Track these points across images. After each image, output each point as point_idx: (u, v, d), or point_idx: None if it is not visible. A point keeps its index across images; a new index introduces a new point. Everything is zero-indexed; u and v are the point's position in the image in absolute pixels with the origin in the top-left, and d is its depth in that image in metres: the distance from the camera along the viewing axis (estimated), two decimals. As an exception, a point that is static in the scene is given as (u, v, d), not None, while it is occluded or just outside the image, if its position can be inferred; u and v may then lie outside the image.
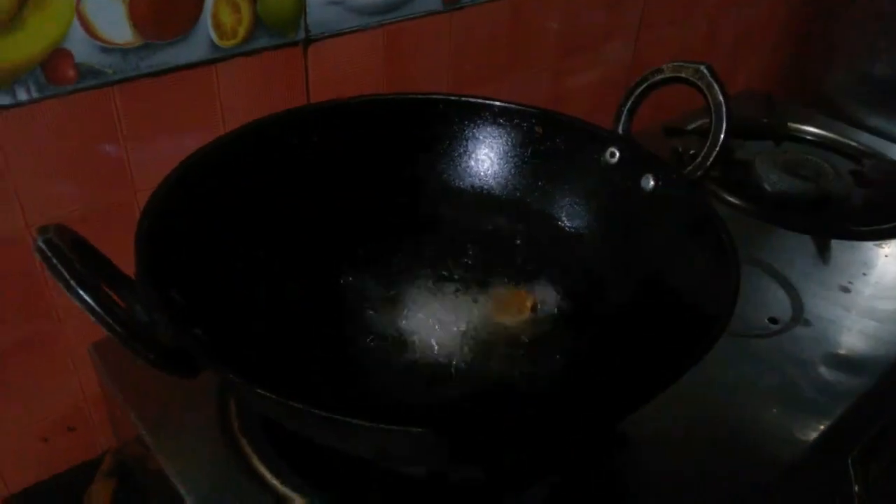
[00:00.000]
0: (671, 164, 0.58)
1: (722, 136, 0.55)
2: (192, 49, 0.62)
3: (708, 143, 0.56)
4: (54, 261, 0.36)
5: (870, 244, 0.81)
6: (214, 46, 0.63)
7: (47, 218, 0.60)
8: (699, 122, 0.98)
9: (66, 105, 0.57)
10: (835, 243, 0.80)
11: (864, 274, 0.76)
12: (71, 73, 0.57)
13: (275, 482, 0.52)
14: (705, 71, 0.56)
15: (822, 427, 0.59)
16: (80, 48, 0.56)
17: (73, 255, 0.37)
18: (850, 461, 0.63)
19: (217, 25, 0.62)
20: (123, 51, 0.58)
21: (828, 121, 1.06)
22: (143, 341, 0.38)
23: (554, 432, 0.41)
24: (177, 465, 0.54)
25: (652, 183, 0.59)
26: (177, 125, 0.64)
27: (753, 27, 1.17)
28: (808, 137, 1.03)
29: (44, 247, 0.37)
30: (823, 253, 0.79)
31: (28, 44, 0.54)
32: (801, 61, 1.18)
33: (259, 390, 0.36)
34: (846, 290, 0.74)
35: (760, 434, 0.59)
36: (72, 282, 0.36)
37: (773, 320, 0.69)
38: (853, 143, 1.01)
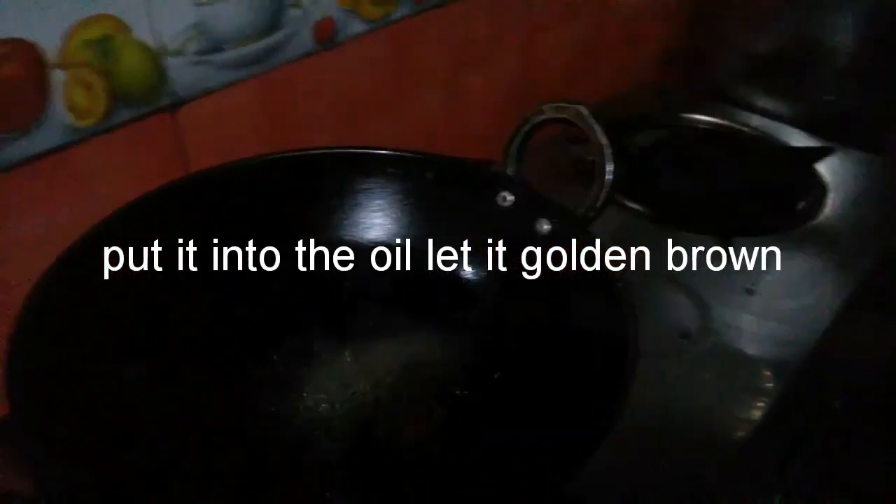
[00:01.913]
0: (562, 206, 0.57)
1: (610, 177, 0.55)
2: (45, 136, 0.57)
3: (595, 185, 0.55)
4: None
5: (770, 238, 0.82)
6: (73, 129, 0.59)
7: None
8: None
9: None
10: (737, 241, 0.81)
11: (766, 272, 0.77)
12: None
13: None
14: (584, 112, 0.55)
15: (743, 437, 0.60)
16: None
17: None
18: (772, 465, 0.64)
19: (71, 107, 0.58)
20: (-36, 149, 0.54)
21: (721, 106, 1.07)
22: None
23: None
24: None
25: (546, 226, 0.58)
26: (42, 220, 0.59)
27: (642, 20, 1.18)
28: (702, 125, 1.04)
29: None
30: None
31: None
32: (689, 49, 1.19)
33: None
34: (751, 291, 0.75)
35: (687, 453, 0.59)
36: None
37: (685, 335, 0.70)
38: (744, 129, 1.02)
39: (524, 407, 0.53)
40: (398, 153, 0.64)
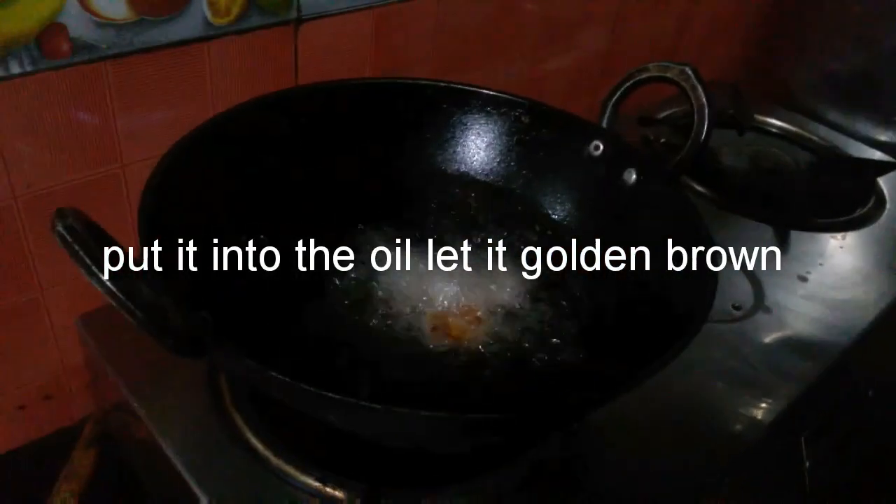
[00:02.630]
0: (653, 159, 0.61)
1: (704, 136, 0.58)
2: (186, 26, 0.62)
3: (690, 142, 0.59)
4: (75, 246, 0.37)
5: (826, 235, 0.86)
6: (208, 24, 0.63)
7: (35, 187, 0.60)
8: (669, 112, 1.01)
9: (60, 78, 0.57)
10: (793, 234, 0.85)
11: (821, 264, 0.81)
12: (65, 47, 0.56)
13: (266, 452, 0.54)
14: (690, 73, 0.58)
15: (780, 409, 0.64)
16: (75, 23, 0.56)
17: (91, 240, 0.38)
18: (802, 440, 0.68)
19: (211, 3, 0.62)
20: (118, 26, 0.58)
21: (790, 114, 1.11)
22: (161, 327, 0.39)
23: (544, 415, 0.44)
24: (166, 433, 0.56)
25: (634, 177, 0.61)
26: (167, 101, 0.64)
27: (724, 20, 1.21)
28: (772, 130, 1.07)
29: (64, 232, 0.37)
30: (783, 243, 0.83)
31: (23, 17, 0.53)
32: (769, 55, 1.22)
33: (275, 375, 0.38)
34: (804, 279, 0.79)
35: (722, 415, 0.63)
36: (93, 268, 0.37)
37: (737, 307, 0.74)
38: (814, 138, 1.06)
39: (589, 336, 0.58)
40: (500, 93, 0.68)
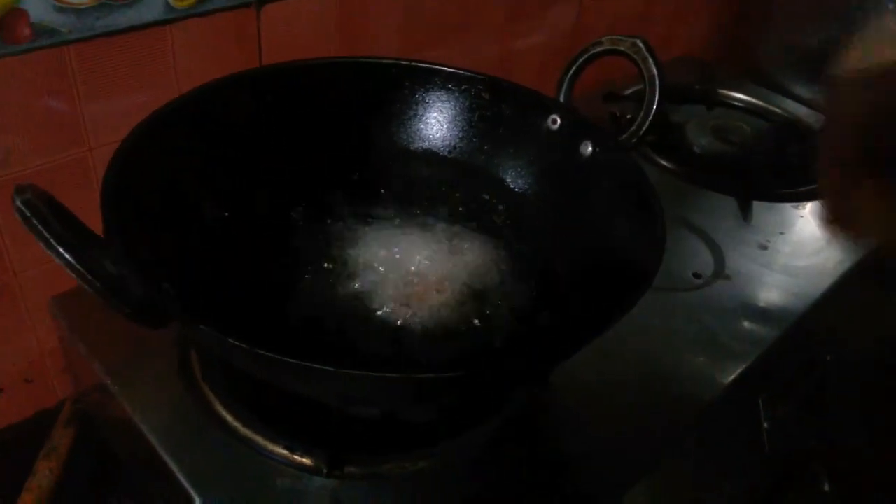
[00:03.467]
0: (608, 131, 0.63)
1: (654, 106, 0.60)
2: (147, 10, 0.63)
3: (642, 113, 0.60)
4: (34, 220, 0.38)
5: (788, 206, 0.88)
6: (169, 7, 0.64)
7: (5, 175, 0.61)
8: (635, 89, 1.03)
9: (22, 64, 0.58)
10: (756, 204, 0.87)
11: (782, 233, 0.83)
12: (26, 31, 0.57)
13: (236, 424, 0.56)
14: (641, 45, 0.60)
15: (737, 370, 0.66)
16: (36, 8, 0.57)
17: (49, 214, 0.39)
18: (760, 402, 0.70)
19: (172, -13, 0.63)
20: (78, 10, 0.59)
21: (757, 88, 1.12)
22: (118, 296, 0.41)
23: (502, 374, 0.46)
24: (141, 411, 0.57)
25: (590, 149, 0.63)
26: (131, 85, 0.65)
27: (691, -4, 1.22)
28: (738, 104, 1.09)
29: (22, 207, 0.39)
30: (745, 213, 0.85)
31: (-16, 3, 0.54)
32: (737, 30, 1.23)
33: (232, 341, 0.39)
34: (765, 247, 0.80)
35: (682, 377, 0.65)
36: (52, 240, 0.38)
37: (697, 275, 0.75)
38: (779, 111, 1.07)
39: (548, 299, 0.59)
40: (460, 70, 0.69)
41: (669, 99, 1.04)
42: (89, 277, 0.39)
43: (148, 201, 0.53)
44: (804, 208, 0.88)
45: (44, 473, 0.64)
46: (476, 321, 0.58)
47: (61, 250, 0.38)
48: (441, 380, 0.42)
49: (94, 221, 0.46)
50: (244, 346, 0.39)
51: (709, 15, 1.25)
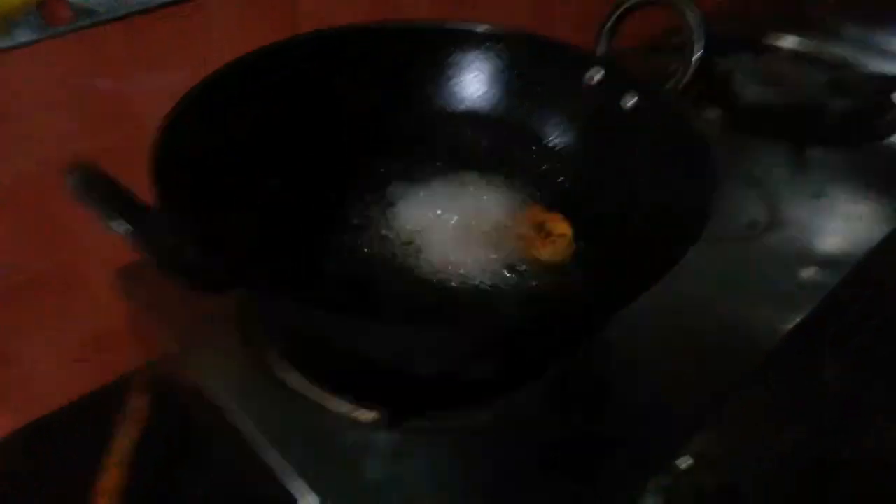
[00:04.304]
0: (651, 81, 0.61)
1: (697, 53, 0.58)
2: (185, -16, 0.63)
3: (685, 61, 0.59)
4: (89, 195, 0.39)
5: (842, 150, 0.85)
6: (203, -19, 0.64)
7: (58, 156, 0.62)
8: (679, 40, 1.00)
9: (65, 45, 0.59)
10: (809, 151, 0.84)
11: (837, 179, 0.80)
12: (65, 13, 0.58)
13: (301, 384, 0.57)
14: (680, -9, 0.58)
15: (797, 318, 0.64)
16: (74, -11, 0.58)
17: (104, 189, 0.40)
18: (820, 349, 0.68)
19: (206, -40, 0.63)
20: (114, -11, 0.60)
21: (805, 33, 1.08)
22: (174, 264, 0.42)
23: (559, 323, 0.45)
24: (208, 375, 0.59)
25: (633, 101, 0.62)
26: (171, 60, 0.66)
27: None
28: (786, 49, 1.05)
29: (76, 183, 0.39)
30: (799, 161, 0.82)
31: (23, -13, 0.55)
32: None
33: (285, 300, 0.40)
34: (819, 195, 0.78)
35: (740, 326, 0.64)
36: (107, 214, 0.39)
37: (752, 225, 0.74)
38: (829, 53, 1.03)
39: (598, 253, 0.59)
40: (497, 29, 0.68)
41: (716, 48, 1.03)
42: (146, 247, 0.40)
43: (196, 171, 0.54)
44: (859, 153, 0.85)
45: (123, 437, 0.67)
46: (523, 277, 0.57)
47: (117, 223, 0.39)
48: (486, 332, 0.42)
49: (146, 196, 0.47)
50: (293, 304, 0.39)
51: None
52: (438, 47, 0.69)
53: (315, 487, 0.50)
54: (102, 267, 0.69)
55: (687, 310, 0.64)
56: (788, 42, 1.06)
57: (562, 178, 0.66)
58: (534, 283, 0.58)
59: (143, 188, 0.48)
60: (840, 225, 0.74)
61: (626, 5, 0.63)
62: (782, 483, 0.70)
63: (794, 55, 1.05)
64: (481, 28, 0.68)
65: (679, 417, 0.57)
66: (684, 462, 0.56)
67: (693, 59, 0.59)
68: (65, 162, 0.61)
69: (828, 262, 0.70)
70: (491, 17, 0.70)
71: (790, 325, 0.64)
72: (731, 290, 0.67)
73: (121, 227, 0.39)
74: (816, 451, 0.74)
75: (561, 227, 0.60)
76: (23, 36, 0.57)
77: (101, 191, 0.40)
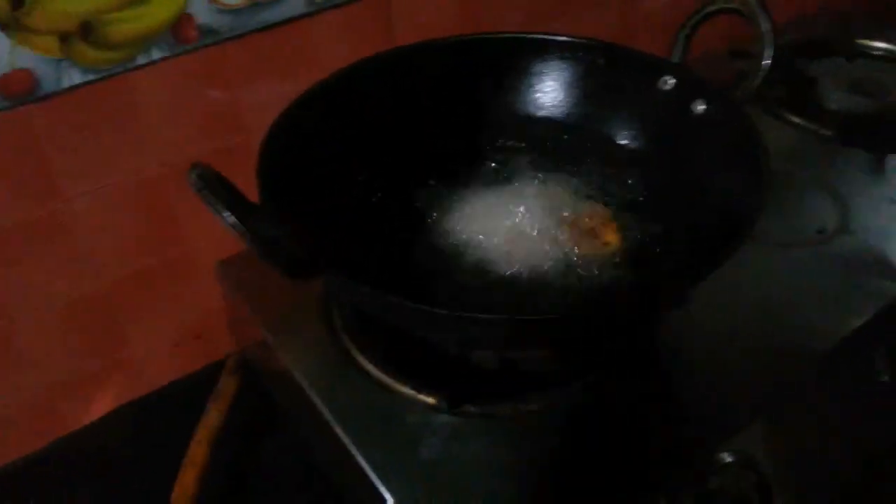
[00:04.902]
0: (719, 88, 0.64)
1: (767, 60, 0.61)
2: (291, 6, 0.71)
3: (754, 69, 0.61)
4: (205, 190, 0.47)
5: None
6: (309, 2, 0.72)
7: (176, 159, 0.71)
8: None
9: (191, 61, 0.68)
10: (890, 158, 0.84)
11: (916, 187, 0.80)
12: (194, 33, 0.67)
13: (371, 368, 0.63)
14: (753, 1, 0.61)
15: (856, 324, 0.65)
16: (200, 12, 0.66)
17: (217, 185, 0.47)
18: (880, 354, 0.69)
19: (313, -17, 0.71)
20: (235, 11, 0.68)
21: (900, 35, 1.06)
22: (272, 253, 0.49)
23: (605, 318, 0.49)
24: (294, 360, 0.65)
25: (702, 106, 0.65)
26: (282, 74, 0.74)
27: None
28: (879, 53, 1.04)
29: (196, 179, 0.47)
30: (877, 167, 0.82)
31: (160, 12, 0.64)
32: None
33: (367, 288, 0.46)
34: (894, 201, 0.78)
35: (799, 329, 0.65)
36: (218, 206, 0.46)
37: (821, 230, 0.75)
38: (922, 58, 1.01)
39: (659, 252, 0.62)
40: (574, 39, 0.72)
41: (805, 52, 1.03)
42: (249, 236, 0.47)
43: (297, 171, 0.61)
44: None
45: (213, 415, 0.74)
46: (585, 272, 0.62)
47: (226, 214, 0.46)
48: (545, 321, 0.47)
49: (253, 195, 0.55)
50: (373, 291, 0.46)
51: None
52: (520, 56, 0.74)
53: (375, 462, 0.56)
54: (205, 261, 0.77)
55: (745, 312, 0.66)
56: (882, 44, 1.05)
57: (630, 179, 0.69)
58: (589, 278, 0.61)
59: (248, 186, 0.55)
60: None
61: (700, 15, 0.66)
62: (825, 488, 0.71)
63: (888, 58, 1.04)
64: (560, 38, 0.73)
65: (728, 415, 0.60)
66: (726, 458, 0.58)
67: (762, 65, 0.61)
68: (182, 164, 0.70)
69: (892, 270, 0.71)
70: (579, 28, 0.75)
71: (848, 330, 0.65)
72: (792, 294, 0.69)
73: (229, 219, 0.46)
74: (862, 459, 0.74)
75: (609, 235, 0.64)
76: (156, 53, 0.66)
77: (215, 186, 0.47)
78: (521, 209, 0.66)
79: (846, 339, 0.64)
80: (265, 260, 0.50)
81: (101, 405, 0.79)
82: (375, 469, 0.56)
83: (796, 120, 0.92)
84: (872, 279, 0.70)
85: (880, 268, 0.71)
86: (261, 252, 0.49)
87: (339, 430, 0.59)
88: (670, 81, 0.68)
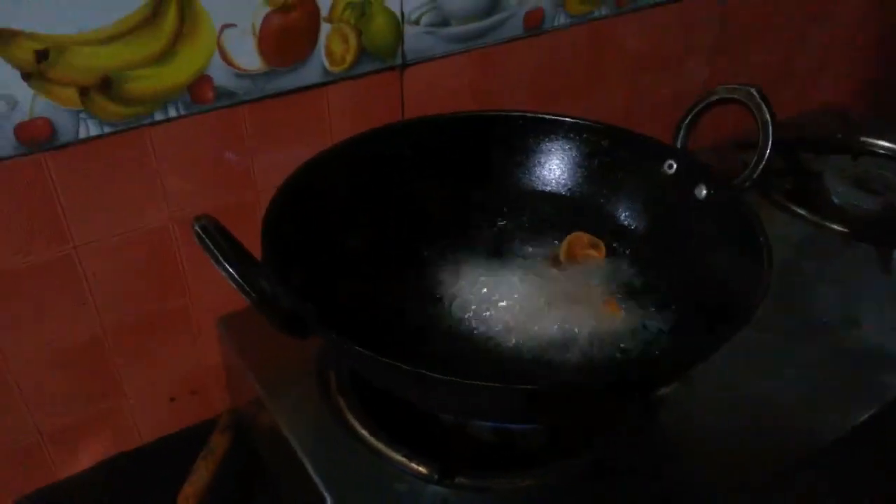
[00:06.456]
0: (721, 175, 0.65)
1: (767, 151, 0.62)
2: (308, 74, 0.73)
3: (755, 157, 0.62)
4: (207, 241, 0.47)
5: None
6: (326, 71, 0.74)
7: (186, 212, 0.72)
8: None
9: (206, 120, 0.70)
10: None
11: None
12: (211, 94, 0.69)
13: (364, 433, 0.62)
14: (755, 93, 0.63)
15: (859, 418, 0.64)
16: (219, 74, 0.68)
17: (220, 238, 0.48)
18: (886, 448, 0.67)
19: (329, 54, 0.73)
20: (253, 76, 0.70)
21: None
22: (270, 308, 0.49)
23: (599, 391, 0.49)
24: (287, 421, 0.65)
25: (704, 191, 0.66)
26: (293, 138, 0.75)
27: (833, 46, 1.20)
28: (882, 152, 1.06)
29: (199, 231, 0.48)
30: (884, 263, 0.82)
31: (179, 72, 0.66)
32: (881, 79, 1.19)
33: (359, 348, 0.46)
34: (896, 299, 0.78)
35: (795, 418, 0.65)
36: (220, 258, 0.47)
37: (825, 322, 0.74)
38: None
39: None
40: (580, 121, 0.74)
41: (812, 149, 1.05)
42: (248, 290, 0.47)
43: (300, 233, 0.62)
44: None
45: (201, 471, 0.74)
46: (583, 348, 0.61)
47: (227, 266, 0.47)
48: (538, 392, 0.46)
49: (255, 250, 0.56)
50: (365, 352, 0.45)
51: (852, 64, 1.23)
52: (528, 134, 0.76)
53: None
54: (207, 316, 0.78)
55: (742, 401, 0.66)
56: (885, 143, 1.06)
57: (630, 254, 0.70)
58: (589, 354, 0.61)
59: (255, 242, 0.56)
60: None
61: (704, 103, 0.68)
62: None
63: (891, 156, 1.05)
64: (569, 119, 0.75)
65: (727, 500, 0.59)
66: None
67: (762, 156, 0.62)
68: (191, 218, 0.72)
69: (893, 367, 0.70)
70: (584, 111, 0.76)
71: (851, 424, 0.64)
72: (793, 384, 0.68)
73: (228, 270, 0.47)
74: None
75: (612, 309, 0.64)
76: (172, 111, 0.68)
77: (217, 239, 0.48)
78: (523, 282, 0.66)
79: (852, 430, 0.63)
80: (261, 314, 0.50)
81: (89, 455, 0.78)
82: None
83: (803, 213, 0.92)
84: (877, 372, 0.69)
85: (884, 362, 0.70)
86: (257, 305, 0.49)
87: (325, 493, 0.58)
88: (673, 166, 0.69)
